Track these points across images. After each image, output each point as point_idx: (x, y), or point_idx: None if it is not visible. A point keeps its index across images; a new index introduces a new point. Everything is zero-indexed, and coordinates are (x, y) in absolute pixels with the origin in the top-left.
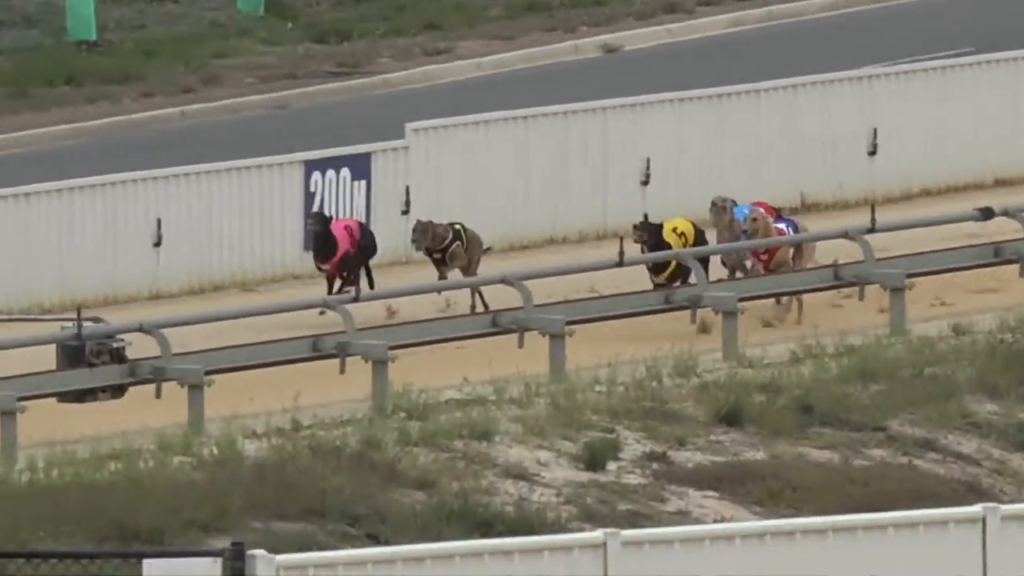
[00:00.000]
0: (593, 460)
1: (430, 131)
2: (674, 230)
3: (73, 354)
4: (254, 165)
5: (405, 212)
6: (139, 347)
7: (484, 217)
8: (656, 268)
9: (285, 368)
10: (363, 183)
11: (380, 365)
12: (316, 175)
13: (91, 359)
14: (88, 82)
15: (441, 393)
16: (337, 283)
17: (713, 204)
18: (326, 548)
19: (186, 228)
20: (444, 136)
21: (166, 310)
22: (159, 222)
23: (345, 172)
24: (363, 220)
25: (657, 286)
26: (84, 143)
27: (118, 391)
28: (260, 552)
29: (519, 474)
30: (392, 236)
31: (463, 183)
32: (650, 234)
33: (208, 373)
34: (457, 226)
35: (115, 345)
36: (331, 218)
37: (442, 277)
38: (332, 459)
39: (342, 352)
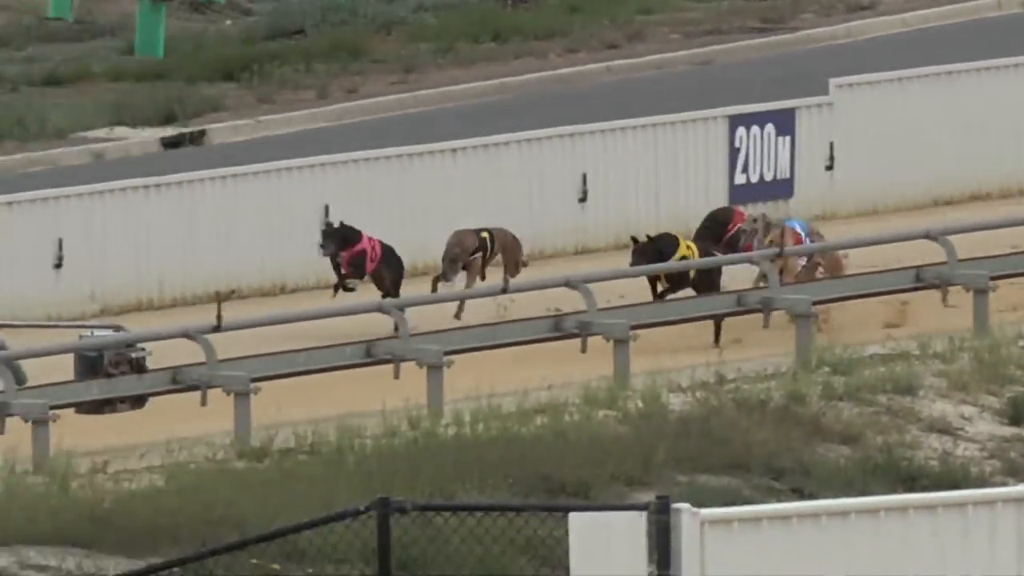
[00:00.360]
0: (1017, 415)
1: (854, 87)
2: None
3: (90, 364)
4: (678, 120)
5: (829, 168)
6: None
7: (907, 172)
8: None
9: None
10: (787, 139)
11: (803, 320)
12: (740, 130)
13: (109, 369)
14: (513, 38)
15: (864, 348)
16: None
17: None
18: (750, 502)
19: (611, 182)
20: (868, 92)
21: (588, 264)
22: (584, 177)
23: (769, 128)
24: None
25: None
26: (509, 98)
27: (138, 402)
28: (684, 506)
29: (943, 428)
30: (818, 193)
31: (886, 138)
32: None
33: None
34: (484, 234)
35: (134, 355)
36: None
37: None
38: (756, 413)
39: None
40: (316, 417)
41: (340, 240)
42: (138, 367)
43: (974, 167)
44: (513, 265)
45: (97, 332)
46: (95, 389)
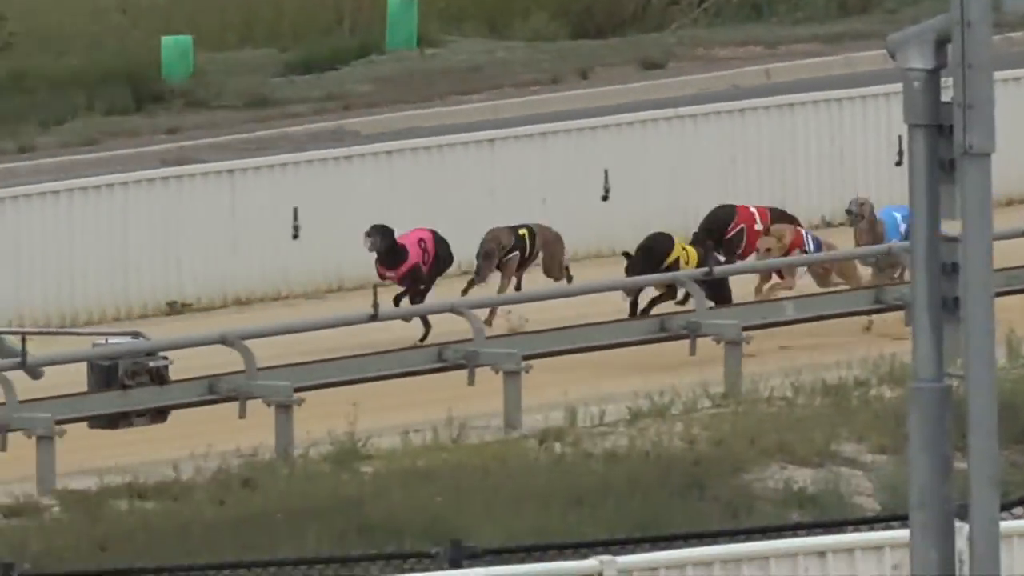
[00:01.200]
0: None
1: None
2: None
3: (105, 375)
4: None
5: None
6: None
7: None
8: None
9: None
10: None
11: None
12: None
13: (125, 380)
14: None
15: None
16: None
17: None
18: None
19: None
20: None
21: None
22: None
23: None
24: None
25: None
26: None
27: (159, 415)
28: None
29: None
30: None
31: None
32: None
33: None
34: (523, 231)
35: (153, 364)
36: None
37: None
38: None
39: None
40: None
41: (393, 261)
42: (159, 377)
43: None
44: (557, 268)
45: (112, 340)
46: (107, 401)
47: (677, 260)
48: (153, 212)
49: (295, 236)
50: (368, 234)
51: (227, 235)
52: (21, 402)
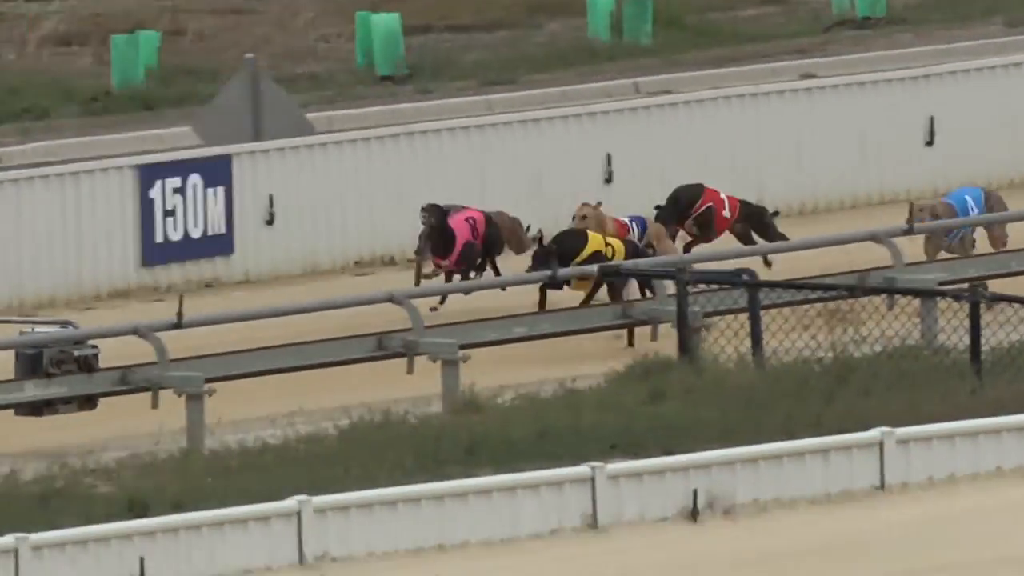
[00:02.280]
0: None
1: None
2: None
3: (29, 363)
4: None
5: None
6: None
7: None
8: None
9: None
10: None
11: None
12: None
13: (50, 368)
14: None
15: None
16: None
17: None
18: None
19: None
20: None
21: None
22: None
23: None
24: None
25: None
26: None
27: (86, 402)
28: None
29: None
30: None
31: None
32: None
33: None
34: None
35: (79, 353)
36: (449, 210)
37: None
38: None
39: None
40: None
41: (444, 247)
42: (86, 366)
43: None
44: (517, 243)
45: (39, 328)
46: (29, 389)
47: (597, 254)
48: None
49: None
50: (424, 210)
51: None
52: None
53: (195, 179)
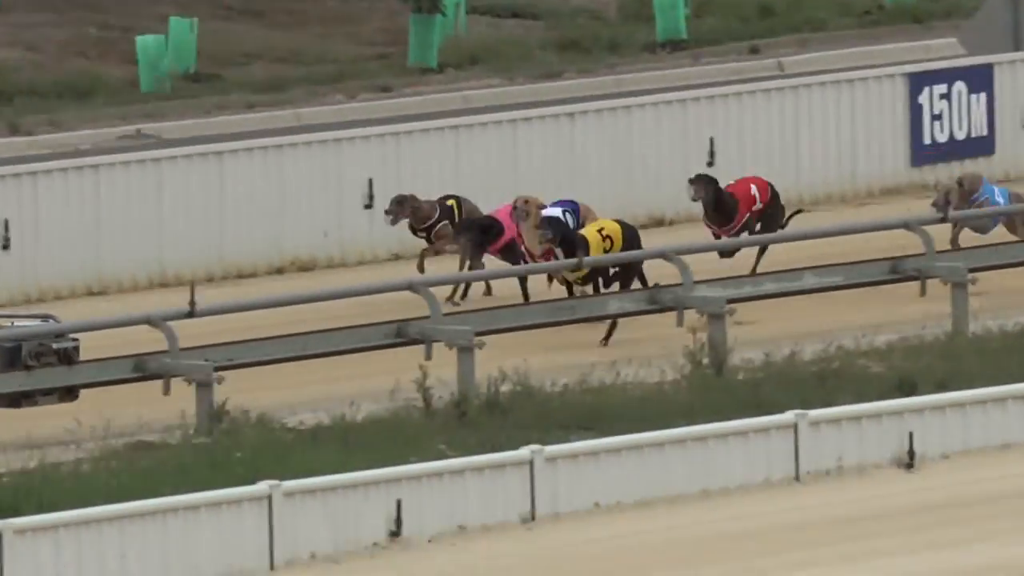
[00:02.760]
0: None
1: None
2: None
3: (9, 356)
4: None
5: None
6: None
7: None
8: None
9: None
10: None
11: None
12: None
13: (28, 361)
14: None
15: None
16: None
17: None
18: None
19: None
20: None
21: None
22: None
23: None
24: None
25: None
26: None
27: (67, 394)
28: None
29: None
30: None
31: None
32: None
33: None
34: (451, 202)
35: (58, 346)
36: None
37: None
38: None
39: None
40: None
41: (482, 238)
42: (66, 358)
43: None
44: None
45: (19, 323)
46: (8, 381)
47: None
48: None
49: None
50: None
51: None
52: None
53: (960, 86)
